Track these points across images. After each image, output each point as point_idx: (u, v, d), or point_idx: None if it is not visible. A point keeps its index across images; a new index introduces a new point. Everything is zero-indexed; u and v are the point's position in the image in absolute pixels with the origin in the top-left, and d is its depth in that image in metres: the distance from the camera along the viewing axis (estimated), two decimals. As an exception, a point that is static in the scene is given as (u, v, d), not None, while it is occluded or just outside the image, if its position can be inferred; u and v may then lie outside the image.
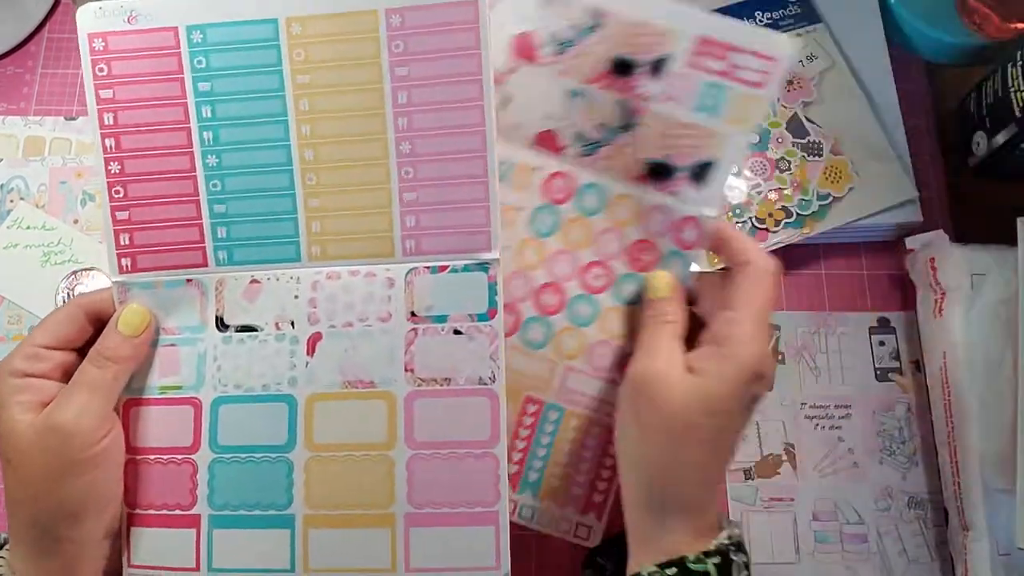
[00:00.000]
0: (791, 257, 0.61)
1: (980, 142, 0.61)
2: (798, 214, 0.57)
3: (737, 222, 0.57)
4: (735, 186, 0.57)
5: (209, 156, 0.40)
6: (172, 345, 0.41)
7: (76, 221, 0.57)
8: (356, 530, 0.40)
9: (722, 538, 0.38)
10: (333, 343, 0.41)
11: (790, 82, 0.60)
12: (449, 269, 0.41)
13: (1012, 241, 0.54)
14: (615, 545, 0.43)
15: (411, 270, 0.41)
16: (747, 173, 0.58)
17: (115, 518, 0.41)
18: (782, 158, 0.58)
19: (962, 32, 0.64)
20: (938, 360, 0.55)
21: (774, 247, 0.57)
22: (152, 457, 0.41)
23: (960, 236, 0.58)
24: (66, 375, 0.40)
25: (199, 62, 0.40)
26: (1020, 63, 0.56)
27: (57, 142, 0.60)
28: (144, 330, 0.41)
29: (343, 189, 0.41)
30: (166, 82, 0.40)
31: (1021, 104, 0.56)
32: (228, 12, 0.40)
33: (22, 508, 0.39)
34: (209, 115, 0.40)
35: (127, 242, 0.41)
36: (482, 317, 0.41)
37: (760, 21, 0.61)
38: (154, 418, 0.41)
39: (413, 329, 0.41)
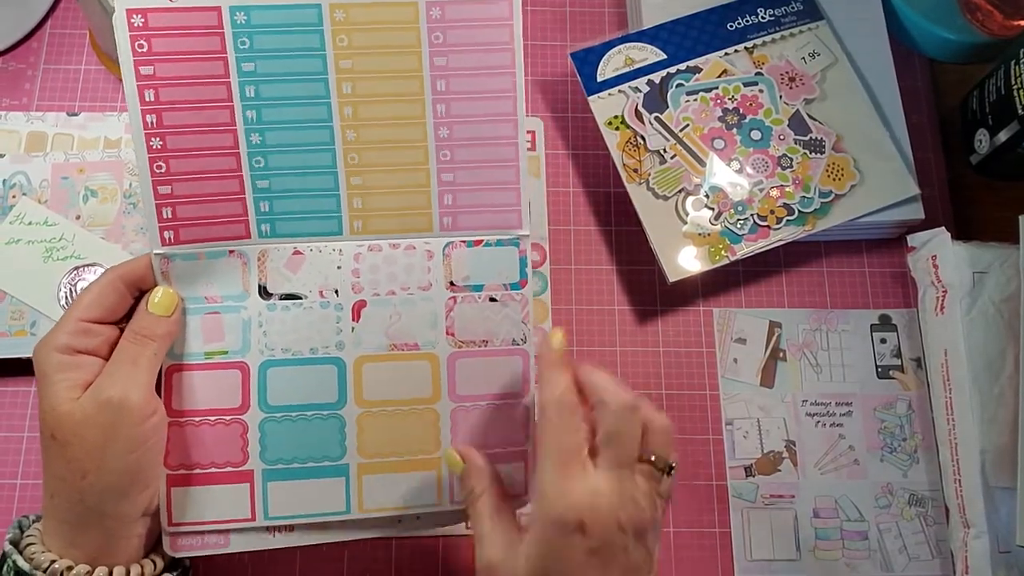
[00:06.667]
0: (793, 254, 0.61)
1: (982, 140, 0.61)
2: (800, 211, 0.57)
3: (738, 219, 0.57)
4: (737, 183, 0.57)
5: (252, 134, 0.42)
6: (216, 312, 0.43)
7: (78, 217, 0.57)
8: (407, 473, 0.44)
9: None
10: (378, 310, 0.44)
11: (792, 79, 0.60)
12: (484, 243, 0.44)
13: (1014, 239, 0.54)
14: None
15: (448, 244, 0.44)
16: (749, 170, 0.58)
17: (155, 494, 0.41)
18: (784, 155, 0.58)
19: (965, 29, 0.64)
20: (939, 357, 0.55)
21: (776, 244, 0.57)
22: (198, 419, 0.42)
23: (962, 234, 0.58)
24: (112, 351, 0.40)
25: (242, 43, 0.41)
26: (1023, 61, 0.56)
27: (59, 138, 0.60)
28: (175, 310, 0.42)
29: (384, 168, 0.43)
30: (209, 61, 0.41)
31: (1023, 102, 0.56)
32: None
33: (67, 486, 0.38)
34: (252, 95, 0.42)
35: (169, 216, 0.42)
36: (514, 286, 0.45)
37: (763, 18, 0.61)
38: (200, 382, 0.43)
39: (452, 297, 0.44)
